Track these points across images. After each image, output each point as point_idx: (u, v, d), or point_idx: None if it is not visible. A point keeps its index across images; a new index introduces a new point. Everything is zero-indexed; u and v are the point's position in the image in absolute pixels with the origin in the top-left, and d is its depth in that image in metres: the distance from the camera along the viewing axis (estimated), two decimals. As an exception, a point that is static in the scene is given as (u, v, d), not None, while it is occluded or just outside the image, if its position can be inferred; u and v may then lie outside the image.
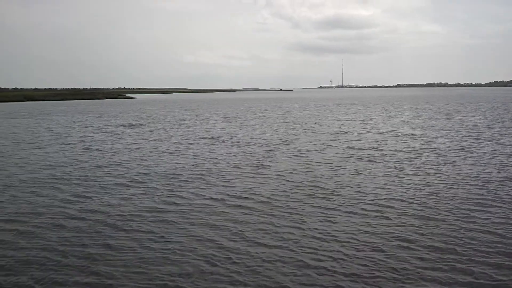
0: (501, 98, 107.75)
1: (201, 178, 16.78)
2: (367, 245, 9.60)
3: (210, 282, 8.04)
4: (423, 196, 13.61)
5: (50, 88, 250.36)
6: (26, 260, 9.10)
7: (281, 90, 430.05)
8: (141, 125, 41.18)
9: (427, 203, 12.76)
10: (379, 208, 12.36)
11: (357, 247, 9.49)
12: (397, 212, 12.01)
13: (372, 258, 8.93)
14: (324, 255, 9.09)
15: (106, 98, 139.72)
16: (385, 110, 61.10)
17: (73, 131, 35.60)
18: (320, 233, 10.39)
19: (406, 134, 29.78)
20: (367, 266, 8.57)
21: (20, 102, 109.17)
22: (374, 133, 30.81)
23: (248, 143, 26.78)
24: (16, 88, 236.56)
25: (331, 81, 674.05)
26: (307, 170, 18.02)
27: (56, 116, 56.58)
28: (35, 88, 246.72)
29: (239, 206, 12.88)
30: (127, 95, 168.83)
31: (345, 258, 8.96)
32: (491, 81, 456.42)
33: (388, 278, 8.03)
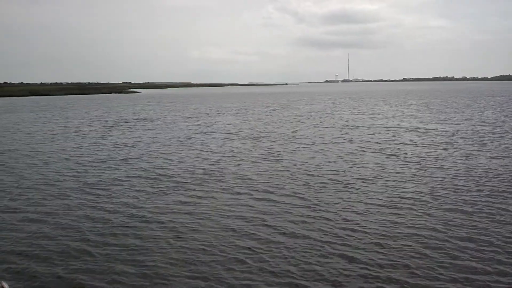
0: (510, 92, 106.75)
1: (220, 171, 16.64)
2: (399, 236, 9.44)
3: (241, 272, 7.93)
4: (446, 188, 13.42)
5: (56, 83, 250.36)
6: (62, 251, 9.04)
7: (286, 84, 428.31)
8: (151, 119, 41.01)
9: (452, 196, 12.58)
10: (405, 200, 12.19)
11: (391, 238, 9.31)
12: (423, 204, 11.83)
13: (406, 249, 8.78)
14: (356, 246, 8.92)
15: (111, 93, 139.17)
16: (391, 104, 60.65)
17: (82, 125, 35.49)
18: (349, 225, 10.24)
19: (419, 128, 29.50)
20: (403, 256, 8.41)
21: (25, 97, 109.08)
22: (386, 127, 30.52)
23: (261, 136, 26.64)
24: (22, 83, 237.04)
25: (336, 76, 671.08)
26: (324, 163, 17.81)
27: (63, 110, 56.52)
28: (41, 83, 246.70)
29: (264, 199, 12.75)
30: (132, 89, 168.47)
31: (378, 249, 8.79)
32: (498, 75, 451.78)
33: (424, 268, 7.86)
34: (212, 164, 18.08)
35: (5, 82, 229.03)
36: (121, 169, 17.41)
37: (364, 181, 14.70)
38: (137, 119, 41.42)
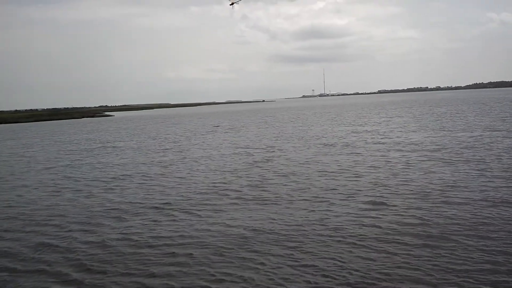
0: (491, 99, 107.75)
1: (253, 183, 17.15)
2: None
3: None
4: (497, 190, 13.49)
5: (31, 110, 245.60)
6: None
7: (263, 101, 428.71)
8: (143, 141, 38.95)
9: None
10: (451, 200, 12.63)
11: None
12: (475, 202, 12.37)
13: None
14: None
15: (83, 117, 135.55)
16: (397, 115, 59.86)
17: (91, 146, 33.30)
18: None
19: (427, 136, 28.24)
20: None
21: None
22: (387, 137, 29.15)
23: (269, 151, 26.02)
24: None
25: (313, 90, 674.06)
26: (389, 173, 16.88)
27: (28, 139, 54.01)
28: (16, 110, 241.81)
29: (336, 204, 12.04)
30: (105, 113, 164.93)
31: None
32: (471, 83, 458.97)
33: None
34: (243, 176, 17.59)
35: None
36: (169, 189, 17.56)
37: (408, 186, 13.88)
38: (137, 141, 39.44)
